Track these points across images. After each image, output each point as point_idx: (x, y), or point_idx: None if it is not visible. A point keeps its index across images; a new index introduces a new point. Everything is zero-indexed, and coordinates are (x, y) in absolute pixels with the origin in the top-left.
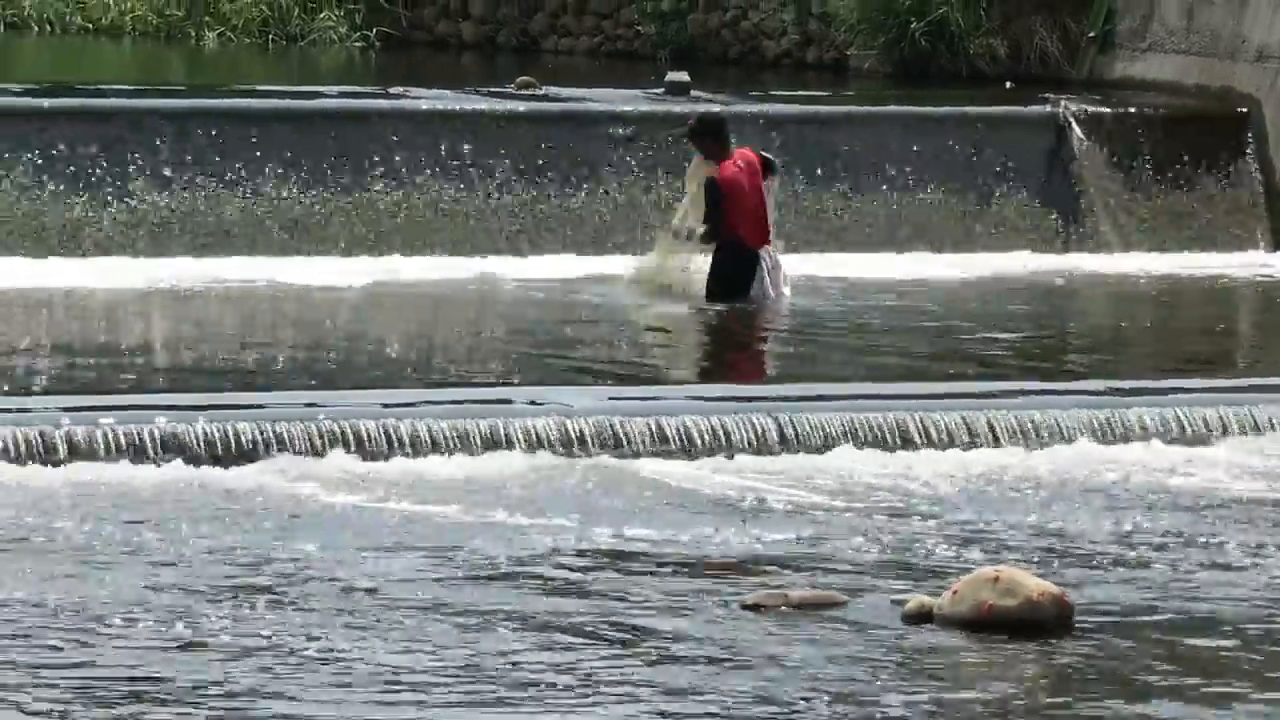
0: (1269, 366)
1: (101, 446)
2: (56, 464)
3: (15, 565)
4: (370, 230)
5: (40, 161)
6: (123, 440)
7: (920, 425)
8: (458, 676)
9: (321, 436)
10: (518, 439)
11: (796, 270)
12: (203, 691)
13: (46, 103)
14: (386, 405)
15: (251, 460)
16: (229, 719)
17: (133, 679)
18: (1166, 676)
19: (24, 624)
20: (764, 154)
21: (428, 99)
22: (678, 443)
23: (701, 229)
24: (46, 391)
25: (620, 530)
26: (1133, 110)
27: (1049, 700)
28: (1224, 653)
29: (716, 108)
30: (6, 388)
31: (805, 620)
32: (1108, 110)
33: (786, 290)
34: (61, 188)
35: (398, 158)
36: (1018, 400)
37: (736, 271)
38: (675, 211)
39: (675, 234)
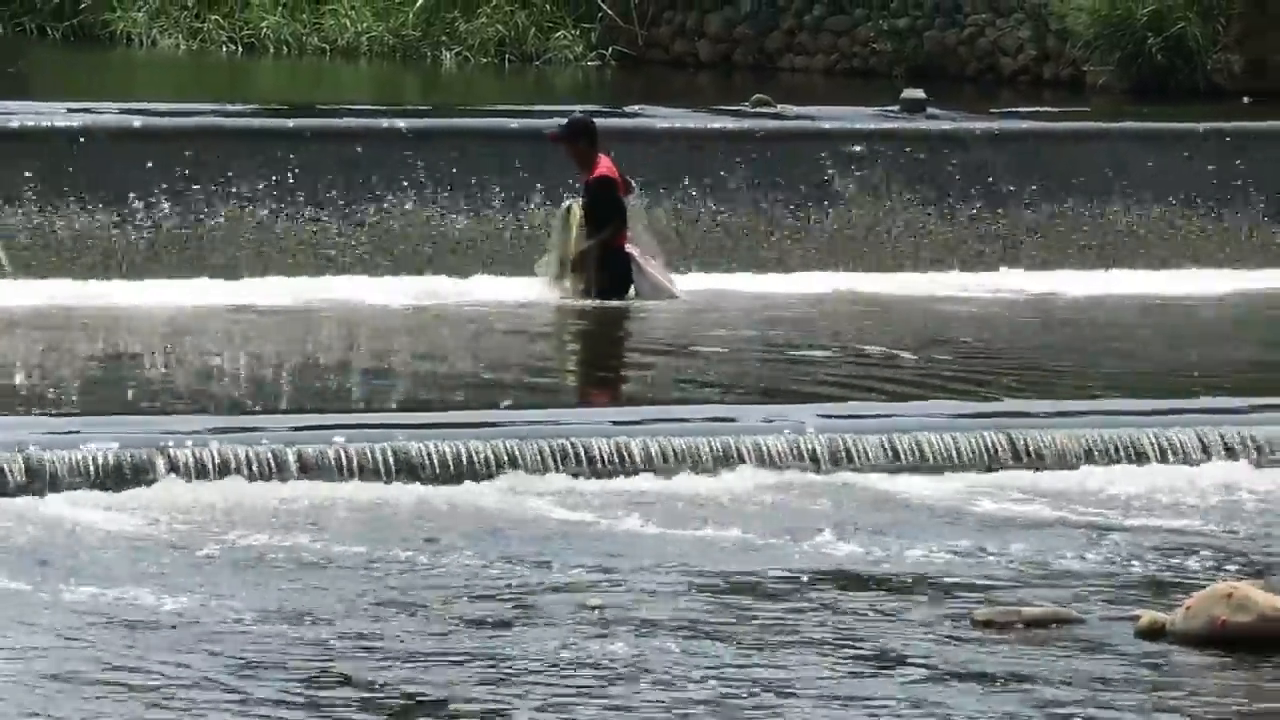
0: None
1: (334, 465)
2: (285, 481)
3: (249, 580)
4: None
5: (276, 181)
6: (354, 459)
7: (1154, 441)
8: (689, 694)
9: (553, 454)
10: (749, 456)
11: (1030, 288)
12: (439, 707)
13: (291, 123)
14: (617, 423)
15: (482, 478)
16: None
17: (362, 692)
18: None
19: (257, 636)
20: (624, 176)
21: (664, 118)
22: (910, 459)
23: (592, 236)
24: (277, 410)
25: (852, 546)
26: None
27: None
28: None
29: (949, 125)
30: (221, 404)
31: (1039, 637)
32: None
33: (677, 287)
34: (299, 208)
35: (633, 176)
36: (1253, 416)
37: (619, 268)
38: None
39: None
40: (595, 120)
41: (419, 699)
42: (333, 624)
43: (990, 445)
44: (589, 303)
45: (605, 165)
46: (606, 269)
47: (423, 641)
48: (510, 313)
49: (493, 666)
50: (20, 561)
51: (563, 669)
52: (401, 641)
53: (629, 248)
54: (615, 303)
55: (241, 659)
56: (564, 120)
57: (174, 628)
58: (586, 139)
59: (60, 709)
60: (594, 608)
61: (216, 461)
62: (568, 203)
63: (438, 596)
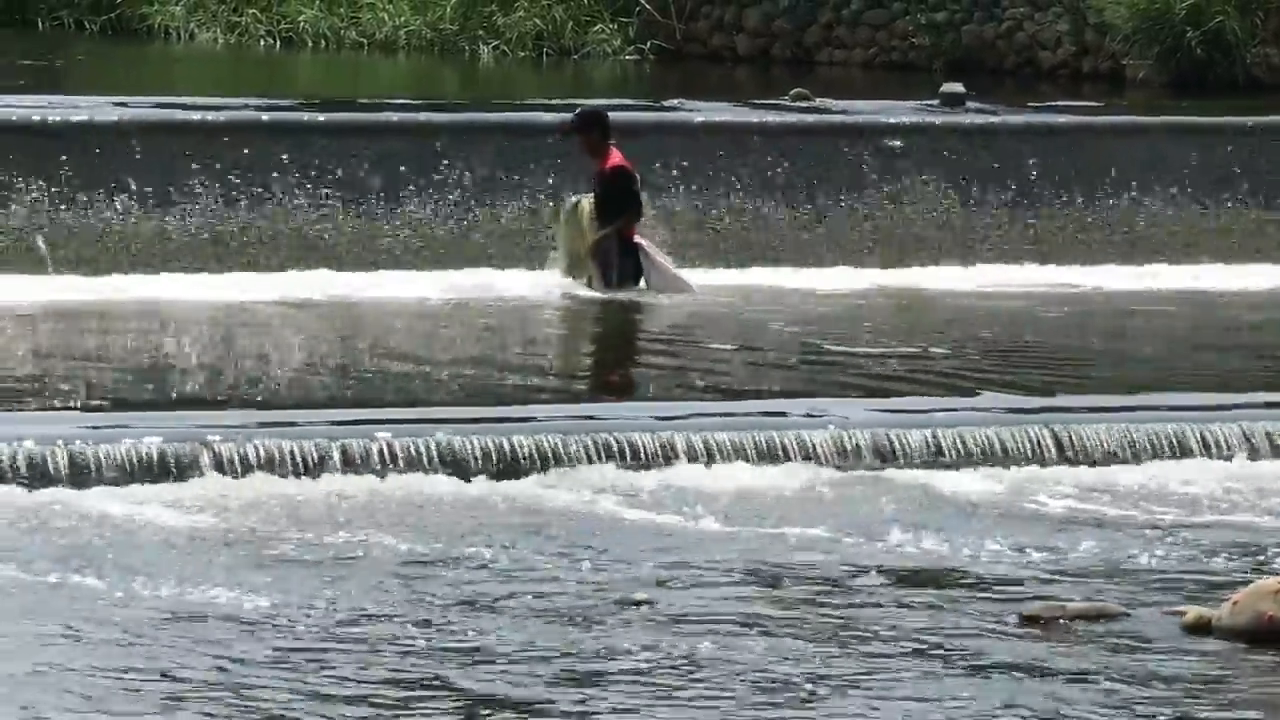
0: None
1: (377, 460)
2: (327, 476)
3: (303, 576)
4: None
5: (316, 176)
6: (399, 454)
7: (1199, 436)
8: (736, 687)
9: (596, 449)
10: (793, 451)
11: (1069, 282)
12: (489, 703)
13: (322, 117)
14: (660, 418)
15: (526, 474)
16: None
17: (411, 689)
18: None
19: (301, 634)
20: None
21: (702, 112)
22: (952, 455)
23: (608, 224)
24: (322, 405)
25: (896, 542)
26: None
27: None
28: None
29: (989, 119)
30: (259, 399)
31: (1084, 632)
32: None
33: (687, 277)
34: (337, 202)
35: (671, 170)
36: None
37: (629, 257)
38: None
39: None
40: (609, 112)
41: (497, 698)
42: (401, 623)
43: (1035, 440)
44: (616, 295)
45: (618, 156)
46: (620, 258)
47: (497, 640)
48: (545, 306)
49: (569, 665)
50: (62, 554)
51: (635, 666)
52: (492, 641)
53: (638, 239)
54: (651, 299)
55: (312, 658)
56: (575, 112)
57: (230, 622)
58: (599, 130)
59: (116, 705)
60: (640, 603)
61: (260, 456)
62: (575, 198)
63: (503, 594)
